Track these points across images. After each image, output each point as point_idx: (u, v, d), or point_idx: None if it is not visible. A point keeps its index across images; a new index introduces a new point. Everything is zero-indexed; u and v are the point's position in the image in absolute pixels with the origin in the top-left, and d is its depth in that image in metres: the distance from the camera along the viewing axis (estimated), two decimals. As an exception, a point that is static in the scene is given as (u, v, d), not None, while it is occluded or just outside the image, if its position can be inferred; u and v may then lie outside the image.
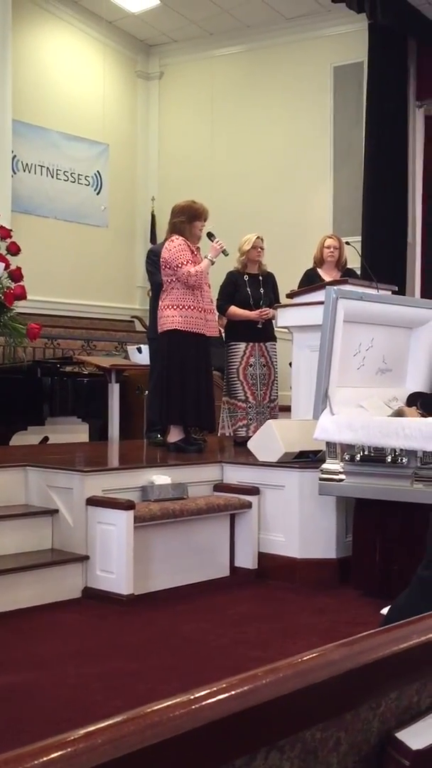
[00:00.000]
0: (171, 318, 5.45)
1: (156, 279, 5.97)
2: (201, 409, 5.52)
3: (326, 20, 8.93)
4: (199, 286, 5.47)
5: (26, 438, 6.93)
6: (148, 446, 5.97)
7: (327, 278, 5.99)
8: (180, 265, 5.38)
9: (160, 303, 5.57)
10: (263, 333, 6.16)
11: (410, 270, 8.54)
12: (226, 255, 5.65)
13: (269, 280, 6.30)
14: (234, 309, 6.14)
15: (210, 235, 5.64)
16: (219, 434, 6.23)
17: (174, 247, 5.44)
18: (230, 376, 6.13)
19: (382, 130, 8.39)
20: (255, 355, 6.12)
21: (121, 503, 4.24)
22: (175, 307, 5.45)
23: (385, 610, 1.77)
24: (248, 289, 6.16)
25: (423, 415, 4.43)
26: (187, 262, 5.40)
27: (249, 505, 4.80)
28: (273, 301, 6.17)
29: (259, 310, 6.09)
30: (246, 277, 6.20)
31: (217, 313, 6.32)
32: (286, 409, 5.98)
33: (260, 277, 6.25)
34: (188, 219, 5.53)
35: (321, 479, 4.41)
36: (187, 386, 5.45)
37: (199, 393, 5.50)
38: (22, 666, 3.31)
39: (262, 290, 6.20)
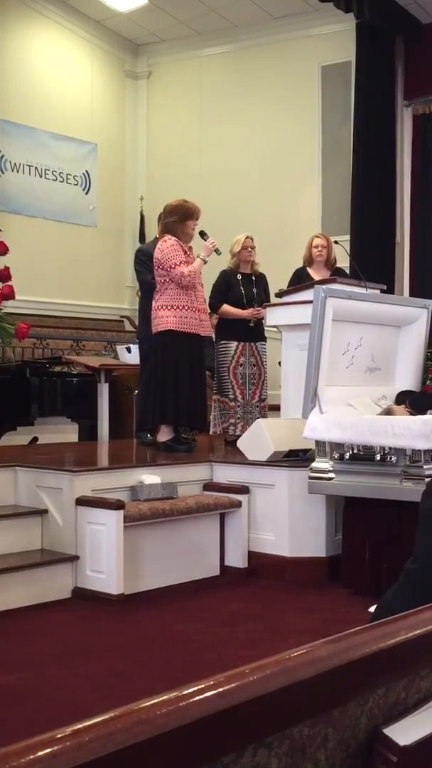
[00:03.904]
0: (165, 318, 5.44)
1: (145, 278, 5.96)
2: (194, 408, 5.53)
3: (314, 19, 8.94)
4: (192, 286, 5.46)
5: (15, 438, 6.92)
6: (138, 446, 5.97)
7: (316, 277, 6.00)
8: (173, 266, 5.37)
9: (153, 303, 5.55)
10: (254, 332, 6.17)
11: (399, 269, 8.56)
12: (219, 254, 5.65)
13: (261, 281, 6.32)
14: (226, 307, 6.15)
15: (202, 234, 5.63)
16: (210, 432, 6.23)
17: (167, 248, 5.43)
18: (221, 374, 6.14)
19: (370, 130, 8.41)
20: (245, 354, 6.13)
21: (111, 503, 4.24)
22: (169, 307, 5.44)
23: (372, 608, 1.78)
24: (241, 288, 6.18)
25: (412, 414, 4.45)
26: (181, 262, 5.39)
27: (239, 504, 4.80)
28: (264, 301, 6.18)
29: (252, 309, 6.10)
30: (239, 276, 6.21)
31: (209, 311, 6.33)
32: (276, 408, 5.98)
33: (253, 277, 6.26)
34: (180, 218, 5.52)
35: (310, 478, 4.42)
36: (181, 386, 5.45)
37: (192, 393, 5.50)
38: (12, 666, 3.30)
39: (254, 290, 6.22)
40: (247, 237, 6.24)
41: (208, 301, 6.16)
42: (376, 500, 4.26)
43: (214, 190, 9.23)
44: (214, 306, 6.18)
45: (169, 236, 5.49)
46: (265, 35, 9.33)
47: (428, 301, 5.07)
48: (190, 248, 5.59)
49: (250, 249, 6.23)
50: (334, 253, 6.34)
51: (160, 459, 5.15)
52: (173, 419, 5.54)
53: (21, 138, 9.06)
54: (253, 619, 3.99)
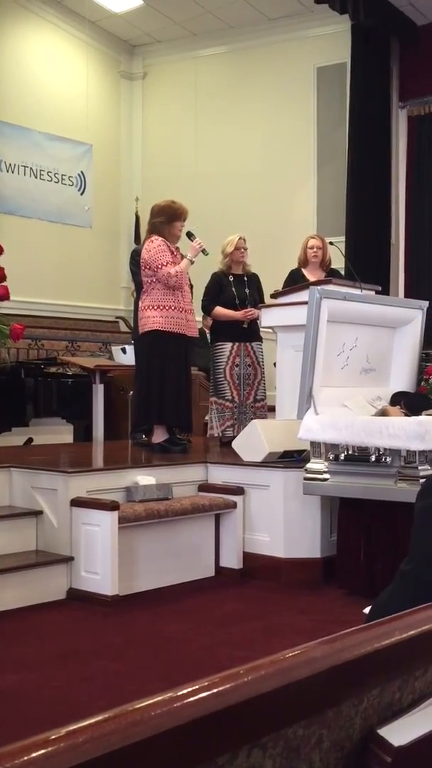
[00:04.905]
0: (152, 318, 5.45)
1: (140, 279, 5.96)
2: (180, 408, 5.53)
3: (309, 21, 8.95)
4: (179, 286, 5.47)
5: (10, 439, 6.91)
6: (133, 447, 5.96)
7: (311, 278, 6.00)
8: (160, 266, 5.38)
9: (140, 303, 5.57)
10: (249, 333, 6.17)
11: (393, 270, 8.57)
12: (206, 254, 5.65)
13: (254, 281, 6.31)
14: (219, 309, 6.14)
15: (189, 235, 5.63)
16: (208, 435, 6.23)
17: (154, 248, 5.44)
18: (217, 376, 6.13)
19: (365, 131, 8.41)
20: (241, 354, 6.12)
21: (106, 504, 4.24)
22: (156, 307, 5.45)
23: (367, 610, 1.78)
24: (233, 290, 6.17)
25: (406, 415, 4.45)
26: (167, 263, 5.40)
27: (234, 505, 4.80)
28: (258, 301, 6.18)
29: (244, 310, 6.10)
30: (231, 278, 6.21)
31: (203, 314, 6.33)
32: (271, 409, 5.98)
33: (245, 278, 6.26)
34: (168, 219, 5.53)
35: (305, 479, 4.42)
36: (167, 386, 5.45)
37: (178, 393, 5.50)
38: (7, 668, 3.29)
39: (247, 290, 6.21)
40: (240, 237, 6.24)
41: (201, 303, 6.17)
42: (371, 501, 4.26)
43: (209, 191, 9.23)
44: (207, 308, 6.18)
45: (156, 236, 5.50)
46: (260, 36, 9.34)
47: (423, 302, 5.08)
48: (177, 249, 5.60)
49: (242, 250, 6.22)
50: (329, 254, 6.34)
51: (155, 460, 5.15)
52: (158, 418, 5.55)
53: (16, 139, 9.05)
54: (247, 619, 3.99)
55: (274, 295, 5.66)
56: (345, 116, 8.67)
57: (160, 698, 0.75)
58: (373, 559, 4.30)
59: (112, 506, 4.21)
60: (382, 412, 4.51)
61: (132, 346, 6.60)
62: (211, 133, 9.68)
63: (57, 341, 8.61)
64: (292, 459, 4.81)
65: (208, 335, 6.62)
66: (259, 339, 6.26)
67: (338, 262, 6.55)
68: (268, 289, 6.11)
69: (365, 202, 8.38)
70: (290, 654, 0.88)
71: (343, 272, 6.48)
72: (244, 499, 4.83)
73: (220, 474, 4.99)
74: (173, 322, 5.44)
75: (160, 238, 5.48)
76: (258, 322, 6.10)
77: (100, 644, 3.62)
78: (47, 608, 4.13)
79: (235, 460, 4.98)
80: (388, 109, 8.58)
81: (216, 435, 6.14)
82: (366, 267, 7.19)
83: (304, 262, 6.32)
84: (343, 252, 6.75)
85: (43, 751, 0.66)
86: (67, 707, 2.88)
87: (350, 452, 4.25)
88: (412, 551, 1.65)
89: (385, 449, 4.11)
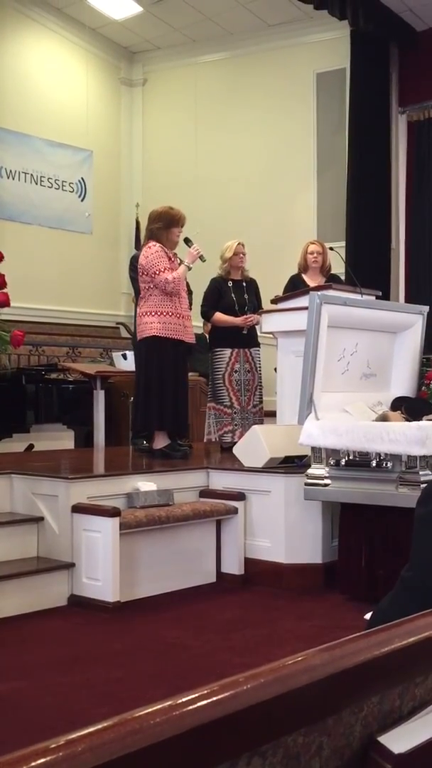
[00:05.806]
0: (150, 324, 5.45)
1: (139, 285, 5.97)
2: (178, 414, 5.54)
3: (309, 27, 8.97)
4: (176, 292, 5.47)
5: (11, 445, 6.91)
6: (134, 453, 5.96)
7: (311, 284, 6.01)
8: (158, 272, 5.39)
9: (138, 310, 5.58)
10: (248, 339, 6.17)
11: (394, 275, 8.57)
12: (204, 261, 5.66)
13: (252, 286, 6.32)
14: (219, 315, 6.15)
15: (187, 241, 5.64)
16: (205, 440, 6.23)
17: (151, 254, 5.44)
18: (216, 382, 6.13)
19: (364, 136, 8.43)
20: (240, 360, 6.13)
21: (107, 510, 4.23)
22: (153, 313, 5.45)
23: (368, 615, 1.78)
24: (233, 295, 6.18)
25: (407, 420, 4.45)
26: (165, 269, 5.40)
27: (235, 511, 4.79)
28: (257, 306, 6.19)
29: (244, 316, 6.11)
30: (230, 284, 6.21)
31: (202, 320, 6.33)
32: (271, 415, 5.98)
33: (244, 283, 6.26)
34: (165, 225, 5.53)
35: (306, 484, 4.41)
36: (166, 392, 5.45)
37: (175, 398, 5.51)
38: (8, 674, 3.29)
39: (246, 296, 6.22)
40: (238, 243, 6.25)
41: (200, 309, 6.17)
42: (372, 506, 4.26)
43: (209, 197, 9.24)
44: (207, 314, 6.18)
45: (154, 242, 5.50)
46: (259, 43, 9.35)
47: (423, 307, 5.08)
48: (175, 255, 5.60)
49: (241, 255, 6.23)
50: (329, 260, 6.35)
51: (156, 466, 5.15)
52: (158, 425, 5.55)
53: (16, 145, 9.07)
54: (248, 625, 3.98)
55: (274, 301, 5.66)
56: (345, 122, 8.68)
57: (159, 706, 0.75)
58: (374, 565, 4.30)
59: (113, 512, 4.21)
60: (383, 417, 4.51)
61: (133, 352, 6.61)
62: (211, 139, 9.70)
63: (58, 347, 8.62)
64: (293, 464, 4.81)
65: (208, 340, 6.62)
66: (257, 345, 6.26)
67: (338, 268, 6.56)
68: (268, 295, 6.11)
69: (365, 207, 8.39)
70: (290, 661, 0.88)
71: (343, 277, 6.49)
72: (245, 504, 4.83)
73: (221, 480, 4.98)
74: (171, 328, 5.44)
75: (158, 244, 5.48)
76: (257, 327, 6.11)
77: (101, 651, 3.62)
78: (48, 615, 4.12)
79: (235, 465, 4.98)
80: (388, 114, 8.59)
81: (213, 440, 6.15)
82: (366, 272, 7.19)
83: (304, 267, 6.33)
84: (343, 257, 6.75)
85: (42, 760, 0.66)
86: (68, 714, 2.87)
87: (351, 457, 4.25)
88: (412, 558, 1.64)
89: (386, 454, 4.11)
